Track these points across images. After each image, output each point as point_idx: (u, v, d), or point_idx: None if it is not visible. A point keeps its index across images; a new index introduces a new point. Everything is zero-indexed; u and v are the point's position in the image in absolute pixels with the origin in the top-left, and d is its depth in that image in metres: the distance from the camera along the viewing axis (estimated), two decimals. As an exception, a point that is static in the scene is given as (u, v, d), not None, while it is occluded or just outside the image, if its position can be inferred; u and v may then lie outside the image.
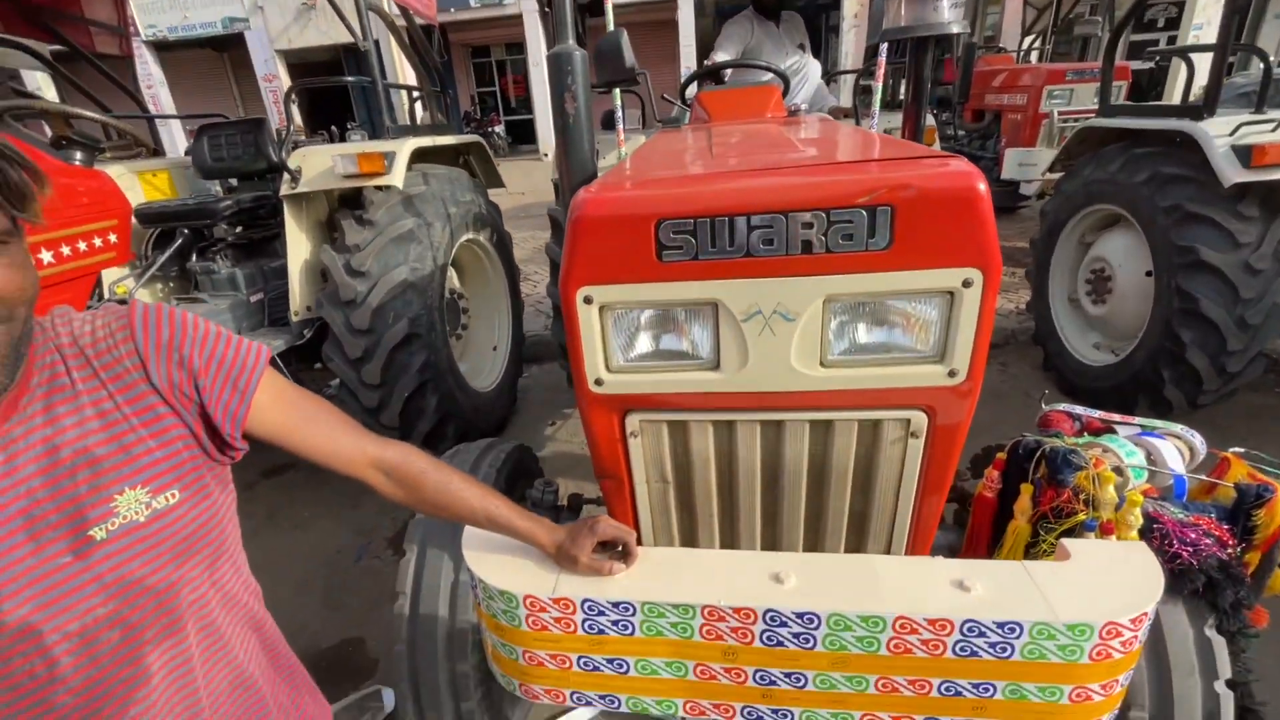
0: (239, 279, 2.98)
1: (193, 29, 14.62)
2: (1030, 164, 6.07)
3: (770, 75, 2.84)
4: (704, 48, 4.16)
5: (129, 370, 0.68)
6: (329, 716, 0.94)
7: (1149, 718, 1.09)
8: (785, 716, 0.98)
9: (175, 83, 14.86)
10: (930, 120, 3.41)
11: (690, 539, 1.30)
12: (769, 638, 0.93)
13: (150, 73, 13.91)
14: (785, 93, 2.87)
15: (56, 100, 3.48)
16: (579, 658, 1.01)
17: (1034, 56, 7.54)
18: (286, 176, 2.76)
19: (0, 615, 0.60)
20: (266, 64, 14.68)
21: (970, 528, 1.48)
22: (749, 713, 1.00)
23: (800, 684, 0.96)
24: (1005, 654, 0.88)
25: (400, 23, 3.11)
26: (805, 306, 0.97)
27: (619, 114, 1.93)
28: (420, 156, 2.99)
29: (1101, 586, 0.91)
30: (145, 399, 0.68)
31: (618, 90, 1.78)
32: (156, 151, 3.49)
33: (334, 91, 14.83)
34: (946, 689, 0.92)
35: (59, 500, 0.63)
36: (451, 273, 3.17)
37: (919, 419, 1.06)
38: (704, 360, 1.06)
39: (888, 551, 1.22)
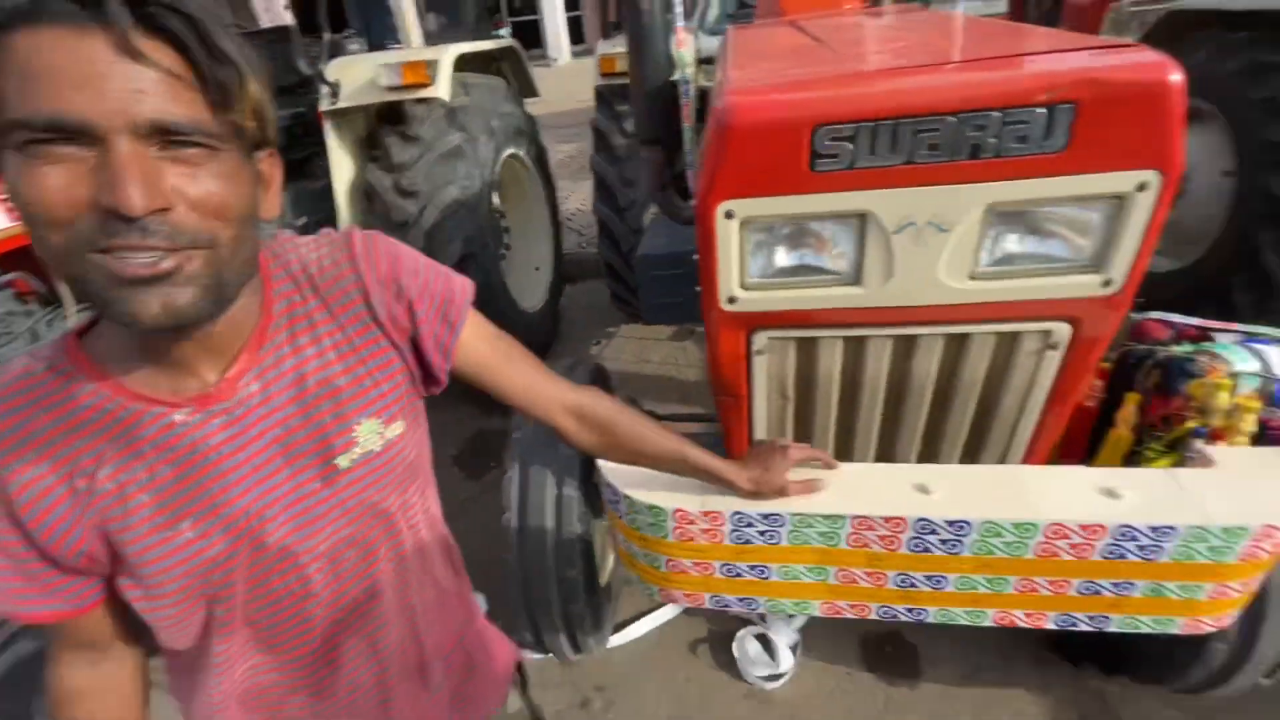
0: (284, 205, 2.92)
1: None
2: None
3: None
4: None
5: (355, 301, 0.67)
6: (493, 629, 0.99)
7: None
8: (921, 614, 1.04)
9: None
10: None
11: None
12: (916, 544, 0.96)
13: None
14: None
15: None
16: (721, 564, 1.06)
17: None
18: (326, 91, 2.62)
19: (264, 537, 0.63)
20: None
21: (1065, 437, 1.50)
22: (885, 611, 1.05)
23: (940, 585, 1.00)
24: (1153, 556, 0.91)
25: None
26: (963, 216, 0.93)
27: (677, 7, 1.74)
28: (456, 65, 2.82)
29: (1253, 491, 0.93)
30: (370, 330, 0.68)
31: None
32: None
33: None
34: (1086, 588, 0.96)
35: (309, 429, 0.64)
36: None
37: (1061, 330, 1.04)
38: (842, 275, 1.04)
39: (1003, 463, 1.24)
